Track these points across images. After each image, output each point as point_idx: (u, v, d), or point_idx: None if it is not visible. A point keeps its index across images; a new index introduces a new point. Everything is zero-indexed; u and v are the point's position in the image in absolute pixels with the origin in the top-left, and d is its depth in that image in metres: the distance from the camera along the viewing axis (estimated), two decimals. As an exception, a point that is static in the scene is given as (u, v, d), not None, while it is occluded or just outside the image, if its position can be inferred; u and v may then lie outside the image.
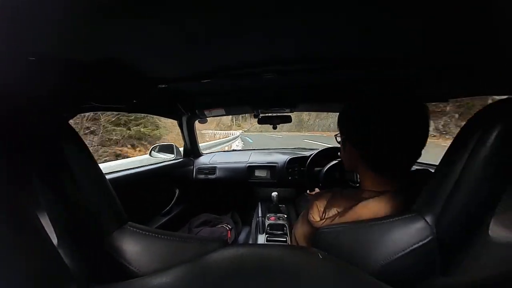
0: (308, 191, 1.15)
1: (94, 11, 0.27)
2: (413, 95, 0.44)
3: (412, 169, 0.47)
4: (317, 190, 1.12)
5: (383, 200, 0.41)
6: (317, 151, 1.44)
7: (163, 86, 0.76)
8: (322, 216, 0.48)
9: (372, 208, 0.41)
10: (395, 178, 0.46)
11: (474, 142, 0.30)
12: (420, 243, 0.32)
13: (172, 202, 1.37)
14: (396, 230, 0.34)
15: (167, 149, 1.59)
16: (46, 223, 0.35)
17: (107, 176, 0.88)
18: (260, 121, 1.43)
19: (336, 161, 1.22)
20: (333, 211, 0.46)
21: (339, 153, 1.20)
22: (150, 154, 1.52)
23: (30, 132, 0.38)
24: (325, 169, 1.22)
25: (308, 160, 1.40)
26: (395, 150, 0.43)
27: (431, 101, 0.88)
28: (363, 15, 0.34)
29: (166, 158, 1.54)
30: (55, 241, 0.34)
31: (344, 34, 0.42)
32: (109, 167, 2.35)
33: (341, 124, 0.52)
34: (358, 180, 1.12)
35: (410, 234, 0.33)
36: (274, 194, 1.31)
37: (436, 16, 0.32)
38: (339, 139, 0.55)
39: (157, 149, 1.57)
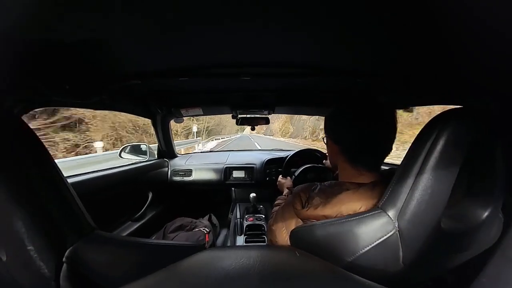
0: (280, 176, 1.20)
1: None
2: (384, 101, 0.52)
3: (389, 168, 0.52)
4: (288, 178, 1.17)
5: (361, 193, 0.46)
6: (294, 152, 1.49)
7: (137, 82, 0.71)
8: (304, 205, 0.52)
9: (352, 198, 0.46)
10: (370, 171, 0.52)
11: (428, 146, 0.34)
12: (385, 237, 0.35)
13: (145, 207, 1.29)
14: (363, 226, 0.37)
15: (139, 149, 1.49)
16: None
17: (70, 180, 0.79)
18: (239, 122, 1.42)
19: (311, 165, 1.27)
20: (317, 200, 0.50)
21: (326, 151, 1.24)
22: (120, 155, 1.41)
23: None
24: (299, 170, 1.26)
25: (285, 161, 1.44)
26: (368, 145, 0.50)
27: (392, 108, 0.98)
28: (336, 28, 0.36)
29: (138, 159, 1.44)
30: (3, 258, 0.30)
31: (318, 44, 0.45)
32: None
33: (325, 125, 0.61)
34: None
35: (375, 229, 0.36)
36: (253, 195, 1.32)
37: (401, 39, 0.36)
38: (325, 139, 0.64)
39: (127, 149, 1.46)
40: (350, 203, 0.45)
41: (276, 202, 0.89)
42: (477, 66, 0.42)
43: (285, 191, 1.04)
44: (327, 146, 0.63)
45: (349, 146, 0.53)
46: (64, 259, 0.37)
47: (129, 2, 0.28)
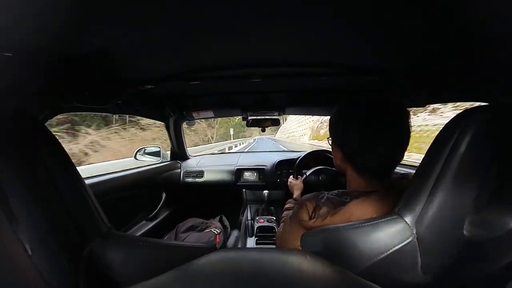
0: (291, 177, 1.16)
1: (77, 3, 0.26)
2: (395, 101, 0.46)
3: (402, 172, 0.49)
4: (299, 179, 1.14)
5: (372, 200, 0.43)
6: (305, 153, 1.46)
7: (150, 86, 0.74)
8: (312, 215, 0.48)
9: (362, 207, 0.42)
10: (380, 179, 0.47)
11: (449, 147, 0.32)
12: (402, 244, 0.33)
13: (159, 207, 1.33)
14: (378, 232, 0.36)
15: (153, 152, 1.54)
16: (19, 231, 0.32)
17: (88, 181, 0.83)
18: (249, 124, 1.43)
19: (322, 166, 1.24)
20: (324, 210, 0.46)
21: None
22: (135, 157, 1.47)
23: (2, 136, 0.35)
24: (311, 170, 1.24)
25: (296, 163, 1.42)
26: (375, 152, 0.45)
27: (409, 106, 0.93)
28: (348, 25, 0.36)
29: (152, 161, 1.49)
30: (29, 252, 0.32)
31: (330, 43, 0.44)
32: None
33: (329, 128, 0.55)
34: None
35: (391, 235, 0.34)
36: (266, 192, 1.33)
37: (417, 31, 0.35)
38: (330, 142, 0.58)
39: (142, 152, 1.51)
40: (360, 212, 0.41)
41: (286, 206, 0.85)
42: (501, 62, 0.40)
43: (296, 193, 1.02)
44: (332, 150, 0.56)
45: (354, 152, 0.47)
46: (82, 255, 0.39)
47: (143, 12, 0.29)
